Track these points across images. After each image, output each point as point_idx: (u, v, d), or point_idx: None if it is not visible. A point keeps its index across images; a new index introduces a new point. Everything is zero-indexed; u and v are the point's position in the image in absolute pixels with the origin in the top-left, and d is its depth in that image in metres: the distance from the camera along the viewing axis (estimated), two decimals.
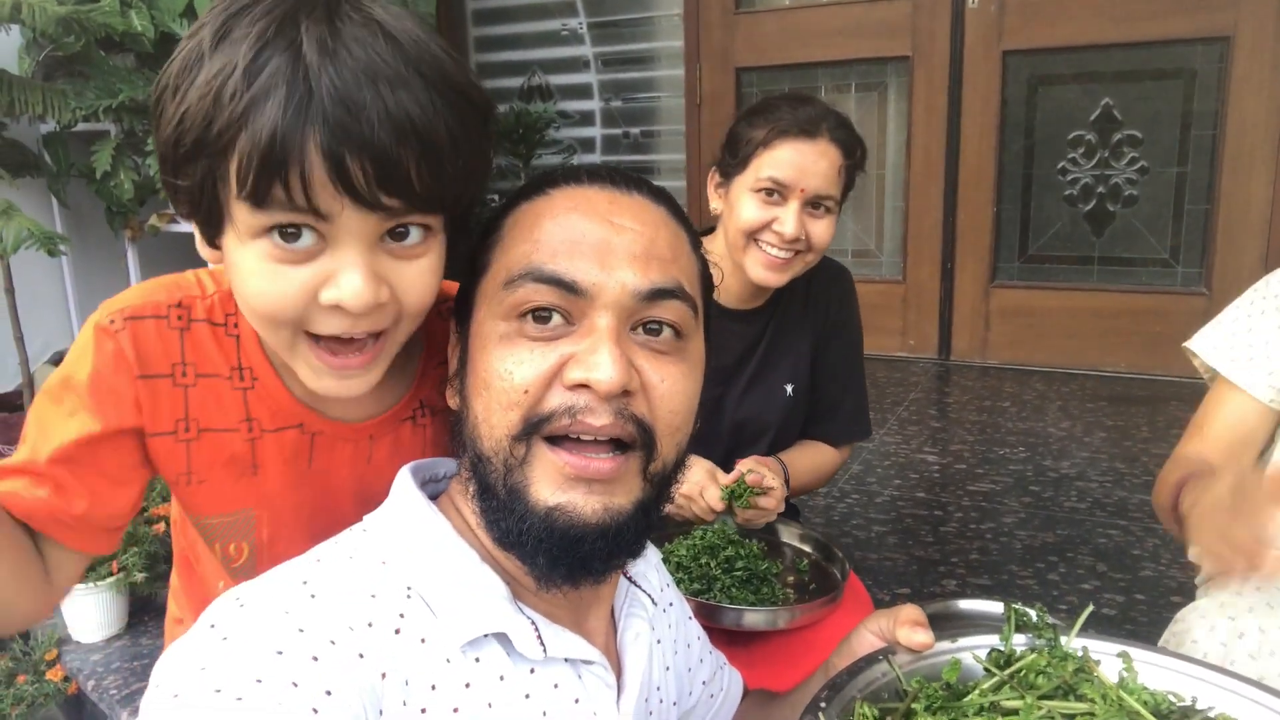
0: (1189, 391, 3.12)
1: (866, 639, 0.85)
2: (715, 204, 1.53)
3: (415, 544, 0.66)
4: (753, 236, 1.43)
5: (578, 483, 0.64)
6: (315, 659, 0.56)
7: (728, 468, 1.54)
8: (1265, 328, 1.32)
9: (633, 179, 0.72)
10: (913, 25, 3.49)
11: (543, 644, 0.66)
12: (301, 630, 0.57)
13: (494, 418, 0.65)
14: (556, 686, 0.67)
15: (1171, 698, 0.73)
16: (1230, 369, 1.29)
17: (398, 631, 0.60)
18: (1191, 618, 1.11)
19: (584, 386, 0.63)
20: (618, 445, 0.65)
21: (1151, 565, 1.96)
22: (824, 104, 1.45)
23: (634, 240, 0.67)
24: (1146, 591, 1.85)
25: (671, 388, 0.67)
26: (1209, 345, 1.33)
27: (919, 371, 3.55)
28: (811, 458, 1.64)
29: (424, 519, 0.68)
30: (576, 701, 0.68)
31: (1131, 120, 3.29)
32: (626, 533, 0.66)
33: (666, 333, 0.67)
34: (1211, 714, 0.72)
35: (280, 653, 0.55)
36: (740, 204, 1.44)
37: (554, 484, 0.64)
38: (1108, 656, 0.76)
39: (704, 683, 0.92)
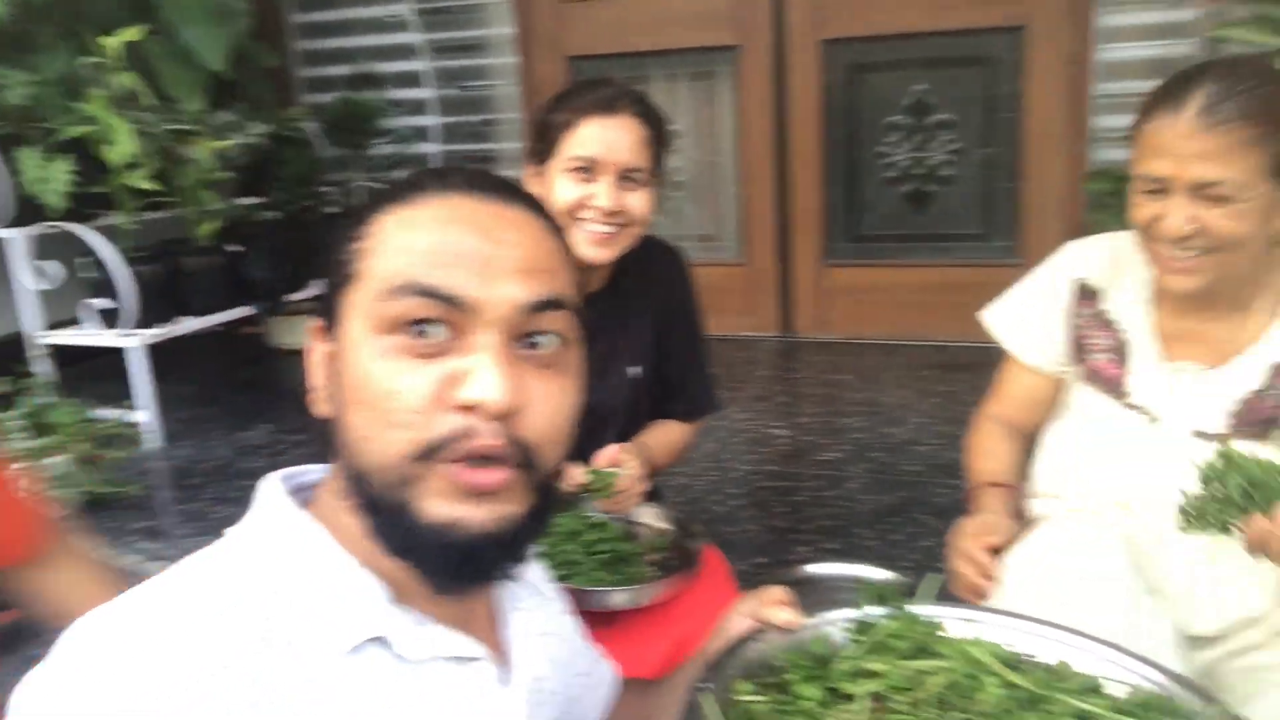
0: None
1: (739, 622, 0.90)
2: (534, 190, 1.55)
3: (285, 553, 0.64)
4: (574, 215, 1.47)
5: (469, 496, 0.63)
6: (179, 673, 0.54)
7: (579, 454, 1.56)
8: (1049, 313, 1.43)
9: (507, 185, 0.71)
10: (737, 15, 3.59)
11: (423, 643, 0.66)
12: (163, 644, 0.55)
13: (384, 435, 0.63)
14: (442, 683, 0.67)
15: (1011, 647, 0.81)
16: (1017, 348, 1.44)
17: (267, 641, 0.59)
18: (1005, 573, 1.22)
19: (472, 408, 0.62)
20: (504, 460, 0.64)
21: None
22: (622, 84, 1.51)
23: (516, 255, 0.66)
24: None
25: (557, 404, 0.67)
26: (1001, 321, 1.47)
27: (764, 349, 3.68)
28: (666, 437, 1.69)
29: (294, 527, 0.66)
30: (464, 698, 0.68)
31: (943, 105, 3.51)
32: (520, 539, 0.66)
33: (551, 342, 0.67)
34: (1039, 658, 0.81)
35: (143, 670, 0.54)
36: (556, 186, 1.47)
37: (445, 499, 0.63)
38: (950, 620, 0.85)
39: (583, 674, 0.93)
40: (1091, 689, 0.77)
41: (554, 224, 0.73)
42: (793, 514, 2.17)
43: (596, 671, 0.96)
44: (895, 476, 2.37)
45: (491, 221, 0.67)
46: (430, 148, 4.16)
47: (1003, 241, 3.57)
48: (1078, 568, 1.19)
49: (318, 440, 0.71)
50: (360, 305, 0.65)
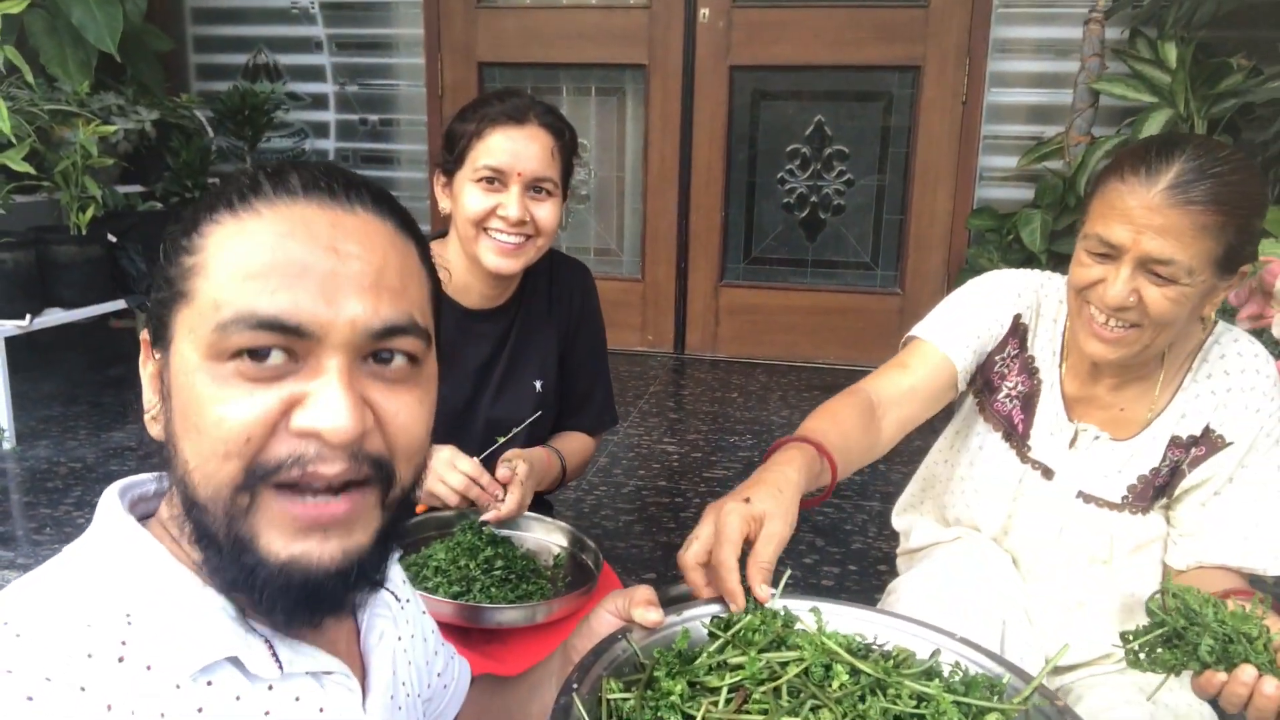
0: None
1: (605, 619, 0.89)
2: (444, 203, 1.57)
3: (129, 570, 0.61)
4: (481, 226, 1.48)
5: (312, 530, 0.60)
6: (30, 698, 0.52)
7: (484, 466, 1.55)
8: (980, 334, 1.39)
9: (354, 186, 0.65)
10: (649, 35, 3.64)
11: (278, 661, 0.63)
12: (10, 671, 0.53)
13: (209, 466, 0.59)
14: (298, 699, 0.65)
15: (858, 638, 0.87)
16: (933, 334, 1.36)
17: (121, 660, 0.56)
18: (902, 589, 1.28)
19: (314, 434, 0.59)
20: (348, 484, 0.61)
21: (860, 538, 2.20)
22: (530, 96, 1.53)
23: (362, 270, 0.61)
24: (857, 562, 2.07)
25: (409, 417, 0.64)
26: (928, 329, 1.38)
27: (657, 365, 3.72)
28: (577, 447, 1.73)
29: (134, 544, 0.63)
30: (321, 711, 0.66)
31: (840, 136, 3.65)
32: (368, 568, 0.63)
33: (399, 362, 0.64)
34: (888, 647, 0.88)
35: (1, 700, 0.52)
36: (464, 196, 1.49)
37: (285, 534, 0.60)
38: (803, 612, 0.90)
39: (439, 674, 0.92)
40: (929, 672, 0.84)
41: (407, 221, 0.68)
42: (681, 530, 2.20)
43: (450, 670, 0.95)
44: None
45: (334, 232, 0.62)
46: (327, 144, 4.06)
47: (887, 271, 3.72)
48: (970, 576, 1.26)
49: (157, 462, 0.65)
50: (190, 326, 0.60)
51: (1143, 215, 1.11)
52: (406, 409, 0.64)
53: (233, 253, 0.60)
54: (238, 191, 0.63)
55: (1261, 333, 1.74)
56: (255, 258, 0.59)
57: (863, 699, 0.78)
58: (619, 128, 3.82)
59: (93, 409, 2.92)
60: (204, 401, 0.59)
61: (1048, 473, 1.33)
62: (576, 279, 1.72)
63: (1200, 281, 1.13)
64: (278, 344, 0.58)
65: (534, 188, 1.49)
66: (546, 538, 1.57)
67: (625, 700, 0.78)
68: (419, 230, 0.70)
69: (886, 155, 3.63)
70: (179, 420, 0.61)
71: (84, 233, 2.71)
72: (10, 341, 2.55)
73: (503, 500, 1.44)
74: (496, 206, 1.46)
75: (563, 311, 1.69)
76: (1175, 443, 1.28)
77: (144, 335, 0.66)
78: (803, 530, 2.21)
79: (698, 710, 0.76)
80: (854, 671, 0.80)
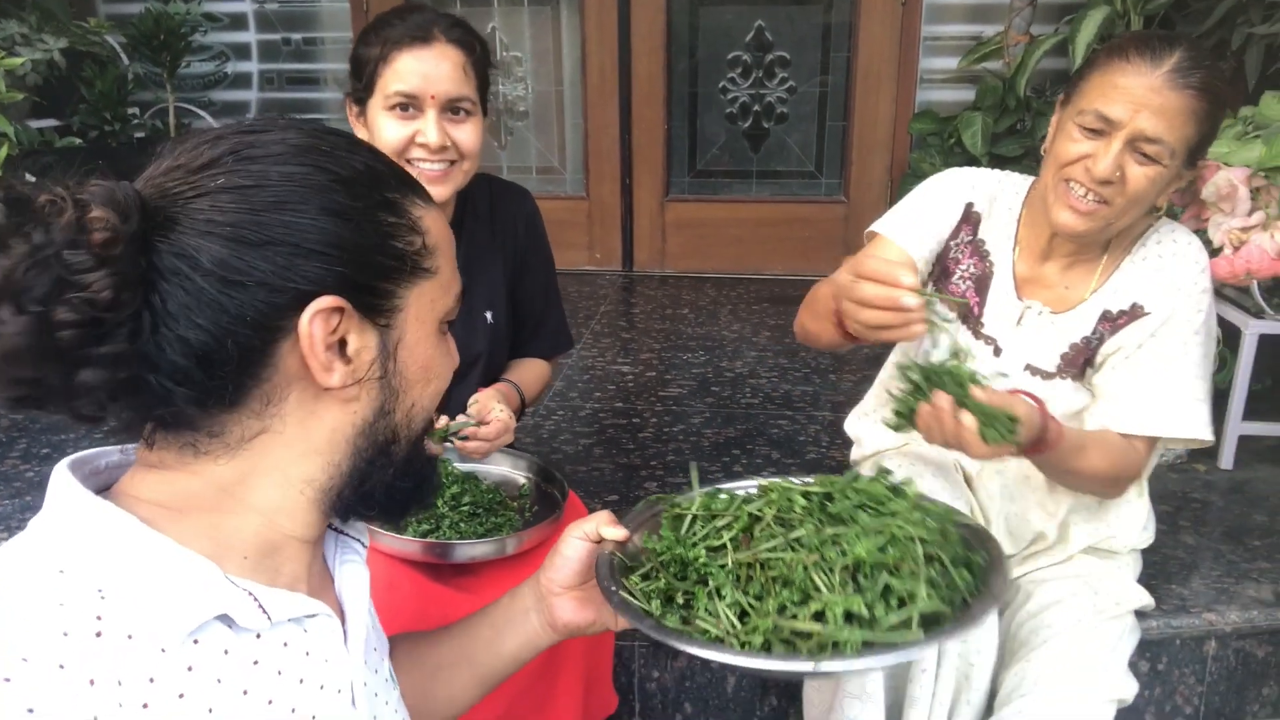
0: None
1: (575, 545, 0.94)
2: (360, 134, 1.49)
3: (96, 543, 0.61)
4: (402, 156, 1.43)
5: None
6: (8, 679, 0.53)
7: (443, 403, 1.54)
8: (935, 227, 1.45)
9: None
10: None
11: (265, 611, 0.65)
12: None
13: (428, 400, 0.75)
14: (285, 645, 0.67)
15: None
16: (892, 229, 1.43)
17: (99, 635, 0.57)
18: None
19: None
20: None
21: (815, 449, 2.25)
22: (434, 10, 1.45)
23: None
24: (812, 471, 2.12)
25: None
26: (887, 224, 1.45)
27: (606, 284, 3.71)
28: (534, 373, 1.72)
29: (101, 516, 0.63)
30: (307, 654, 0.69)
31: (781, 41, 3.59)
32: None
33: None
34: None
35: None
36: (380, 127, 1.42)
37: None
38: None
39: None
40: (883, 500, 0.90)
41: None
42: (640, 451, 2.23)
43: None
44: (735, 409, 2.48)
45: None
46: (248, 66, 3.88)
47: (831, 179, 3.72)
48: (923, 485, 1.30)
49: (187, 411, 0.63)
50: (435, 300, 0.74)
51: (1143, 94, 1.20)
52: None
53: (446, 239, 0.75)
54: (405, 178, 0.74)
55: (1200, 233, 1.79)
56: (453, 246, 0.77)
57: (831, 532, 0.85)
58: (554, 39, 3.70)
59: None
60: (441, 354, 0.76)
61: (997, 349, 1.43)
62: (519, 205, 1.68)
63: (1175, 165, 1.23)
64: None
65: (451, 109, 1.42)
66: (512, 470, 1.58)
67: (653, 587, 0.88)
68: None
69: (828, 60, 3.59)
70: (418, 372, 0.73)
71: None
72: None
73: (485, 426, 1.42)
74: (415, 134, 1.40)
75: (507, 240, 1.66)
76: (1105, 316, 1.37)
77: (329, 302, 0.64)
78: (758, 444, 2.26)
79: (711, 556, 0.87)
80: (820, 509, 0.88)
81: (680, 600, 0.86)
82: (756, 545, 0.86)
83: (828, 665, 0.76)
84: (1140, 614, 1.45)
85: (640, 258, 3.84)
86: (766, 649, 0.79)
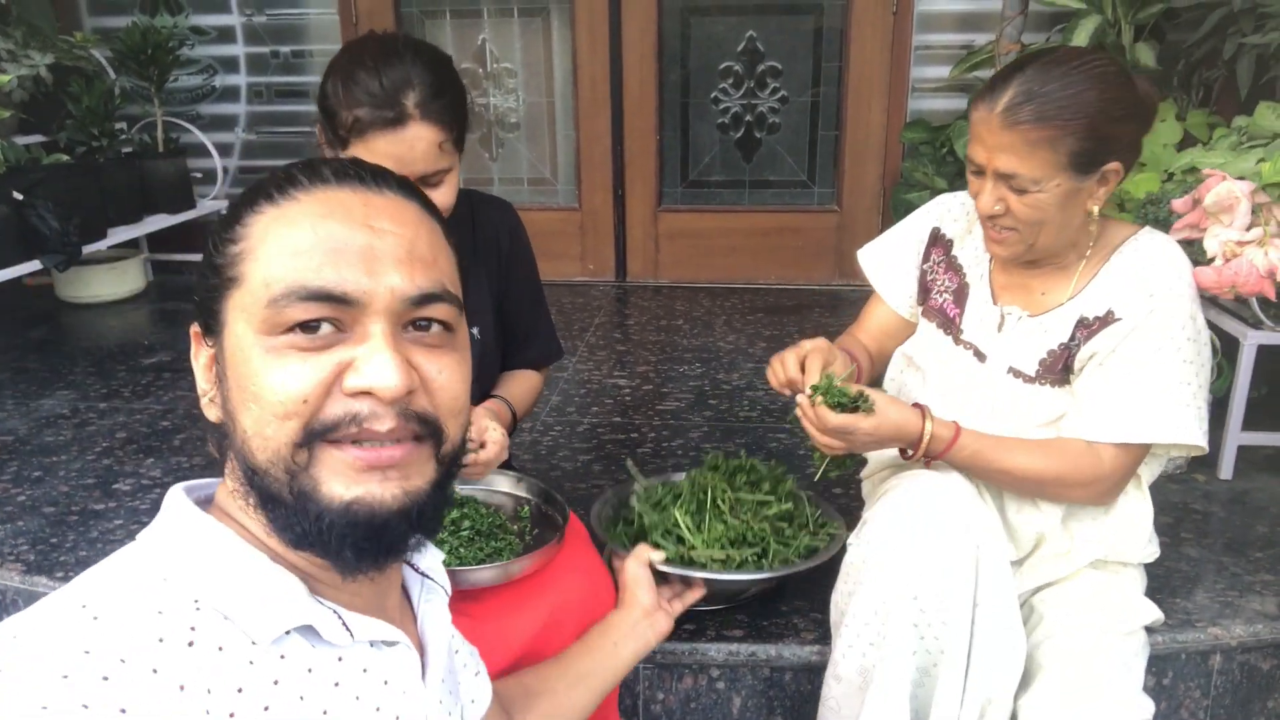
0: (826, 298, 3.55)
1: (638, 571, 1.38)
2: None
3: (197, 556, 0.65)
4: None
5: (371, 472, 0.65)
6: (105, 678, 0.55)
7: None
8: (905, 261, 1.59)
9: (380, 174, 0.71)
10: None
11: (348, 629, 0.68)
12: (88, 652, 0.55)
13: (268, 429, 0.64)
14: (365, 670, 0.69)
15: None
16: (881, 288, 1.63)
17: (191, 644, 0.60)
18: (876, 524, 1.32)
19: (366, 394, 0.64)
20: (402, 439, 0.67)
21: (812, 461, 2.24)
22: (407, 65, 1.34)
23: (396, 244, 0.67)
24: (811, 485, 2.11)
25: (450, 377, 0.69)
26: (871, 261, 1.64)
27: (600, 295, 3.69)
28: (525, 386, 1.71)
29: (203, 530, 0.67)
30: (386, 683, 0.71)
31: (772, 51, 3.59)
32: (426, 512, 0.68)
33: (436, 329, 0.69)
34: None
35: (66, 676, 0.54)
36: None
37: (346, 478, 0.65)
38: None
39: (466, 667, 0.96)
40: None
41: (429, 204, 0.74)
42: (640, 467, 2.21)
43: (473, 663, 0.98)
44: (733, 423, 2.46)
45: (369, 211, 0.68)
46: (236, 79, 3.85)
47: (824, 188, 3.72)
48: (938, 508, 1.30)
49: (214, 447, 0.71)
50: (244, 307, 0.65)
51: (989, 136, 1.29)
52: (448, 369, 0.69)
53: (278, 236, 0.66)
54: (275, 185, 0.68)
55: (1193, 243, 1.79)
56: (300, 238, 0.65)
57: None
58: (545, 50, 3.69)
59: (18, 375, 2.79)
60: (262, 371, 0.64)
61: (979, 354, 1.46)
62: (500, 217, 1.66)
63: (1054, 186, 1.28)
64: (326, 315, 0.64)
65: (425, 182, 1.38)
66: (511, 491, 1.57)
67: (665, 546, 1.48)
68: (439, 212, 0.75)
69: (820, 70, 3.59)
70: (236, 395, 0.66)
71: None
72: None
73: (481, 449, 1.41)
74: None
75: (490, 254, 1.64)
76: (1082, 322, 1.38)
77: (194, 329, 0.71)
78: (758, 458, 2.24)
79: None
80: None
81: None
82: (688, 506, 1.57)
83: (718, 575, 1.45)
84: (1148, 629, 1.44)
85: (634, 268, 3.83)
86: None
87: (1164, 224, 2.17)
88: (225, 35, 3.80)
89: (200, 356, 0.71)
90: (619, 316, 3.45)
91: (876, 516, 1.34)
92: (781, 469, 1.69)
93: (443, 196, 1.41)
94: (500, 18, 3.66)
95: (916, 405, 1.37)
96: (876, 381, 1.62)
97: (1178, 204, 1.80)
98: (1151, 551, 1.49)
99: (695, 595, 1.44)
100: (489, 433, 1.42)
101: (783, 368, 1.44)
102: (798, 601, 1.64)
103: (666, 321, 3.35)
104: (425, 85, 1.34)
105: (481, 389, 1.64)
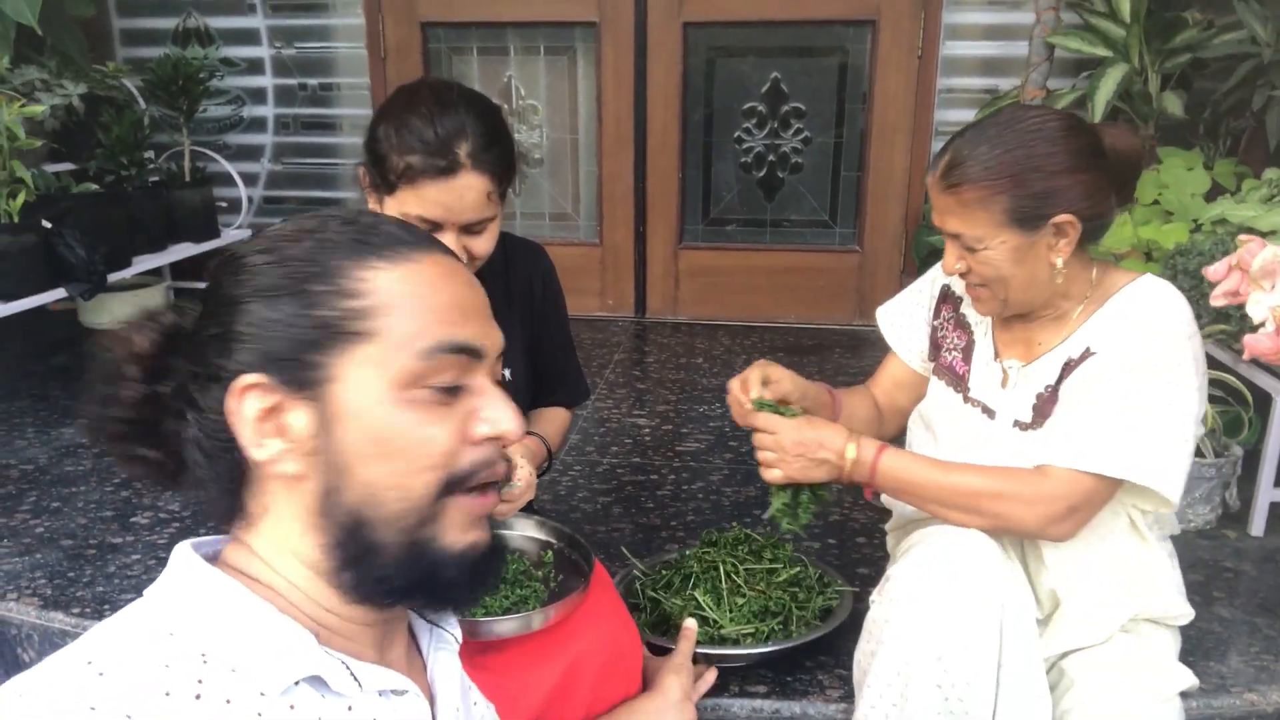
0: (846, 339, 3.53)
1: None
2: (372, 206, 1.45)
3: (204, 609, 0.66)
4: None
5: (480, 520, 0.72)
6: None
7: None
8: (917, 316, 1.63)
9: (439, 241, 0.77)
10: None
11: (356, 679, 0.68)
12: (94, 709, 0.56)
13: (410, 481, 0.67)
14: (375, 719, 0.69)
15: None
16: (895, 344, 1.66)
17: (199, 697, 0.60)
18: (899, 582, 1.29)
19: (491, 440, 0.70)
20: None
21: (837, 510, 2.21)
22: (461, 115, 1.36)
23: (486, 302, 0.75)
24: (836, 535, 2.09)
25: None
26: (887, 319, 1.68)
27: (619, 331, 3.69)
28: (557, 424, 1.73)
29: (210, 583, 0.67)
30: None
31: (796, 93, 3.60)
32: (500, 549, 0.76)
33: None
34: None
35: None
36: None
37: (463, 528, 0.70)
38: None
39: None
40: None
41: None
42: (660, 510, 2.19)
43: (490, 716, 0.96)
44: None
45: (464, 273, 0.74)
46: (264, 110, 3.89)
47: (845, 229, 3.72)
48: (963, 566, 1.27)
49: (217, 496, 0.71)
50: (380, 362, 0.67)
51: (935, 200, 1.35)
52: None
53: (412, 293, 0.69)
54: (384, 243, 0.70)
55: (1238, 309, 1.77)
56: (436, 297, 0.70)
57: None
58: (570, 88, 3.72)
59: (38, 403, 2.80)
60: (405, 426, 0.67)
61: (988, 411, 1.46)
62: (534, 262, 1.68)
63: (999, 244, 1.31)
64: (465, 367, 0.70)
65: (470, 230, 1.40)
66: (535, 534, 1.55)
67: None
68: None
69: (843, 111, 3.60)
70: (365, 447, 0.66)
71: (16, 220, 2.57)
72: None
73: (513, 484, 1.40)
74: None
75: (523, 298, 1.66)
76: (1067, 364, 1.37)
77: (248, 381, 0.67)
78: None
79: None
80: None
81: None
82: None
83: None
84: (1182, 694, 1.41)
85: (653, 304, 3.82)
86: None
87: (1193, 274, 2.15)
88: (254, 67, 3.84)
89: (250, 408, 0.67)
90: (638, 353, 3.44)
91: (899, 573, 1.31)
92: (776, 535, 1.72)
93: (484, 244, 1.43)
94: (526, 55, 3.69)
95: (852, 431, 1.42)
96: (897, 442, 1.61)
97: (1212, 272, 1.77)
98: (1184, 613, 1.45)
99: (711, 679, 1.47)
100: (517, 470, 1.42)
101: (736, 385, 1.50)
102: (821, 657, 1.61)
103: (686, 359, 3.34)
104: (478, 135, 1.36)
105: None
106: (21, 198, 2.55)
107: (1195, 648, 1.65)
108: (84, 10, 3.31)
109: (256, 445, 0.67)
